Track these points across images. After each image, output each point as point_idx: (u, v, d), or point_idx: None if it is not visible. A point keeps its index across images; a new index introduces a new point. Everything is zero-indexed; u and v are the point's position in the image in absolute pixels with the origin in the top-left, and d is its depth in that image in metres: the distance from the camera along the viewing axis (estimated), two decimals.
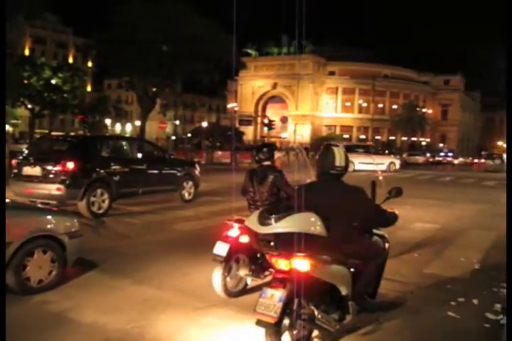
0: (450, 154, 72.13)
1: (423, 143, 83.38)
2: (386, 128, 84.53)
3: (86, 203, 10.14)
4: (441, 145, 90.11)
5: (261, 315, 3.57)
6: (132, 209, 11.42)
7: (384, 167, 30.29)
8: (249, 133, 77.41)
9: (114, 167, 11.06)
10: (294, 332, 3.75)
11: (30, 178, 10.38)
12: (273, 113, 76.02)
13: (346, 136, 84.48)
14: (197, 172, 13.93)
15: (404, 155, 56.79)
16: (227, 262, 5.20)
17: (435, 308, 5.34)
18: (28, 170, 10.52)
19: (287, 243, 3.57)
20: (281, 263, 3.71)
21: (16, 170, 10.86)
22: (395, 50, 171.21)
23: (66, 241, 5.61)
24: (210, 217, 10.73)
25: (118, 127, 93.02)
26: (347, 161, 4.34)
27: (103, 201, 10.54)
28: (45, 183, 10.09)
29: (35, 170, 10.36)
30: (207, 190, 15.28)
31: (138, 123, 44.20)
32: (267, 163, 5.87)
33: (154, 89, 33.72)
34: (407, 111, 78.79)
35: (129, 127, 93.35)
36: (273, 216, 3.65)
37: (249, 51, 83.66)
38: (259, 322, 3.61)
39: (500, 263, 7.38)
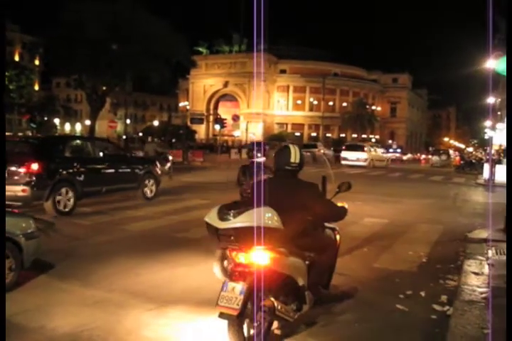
0: (399, 150, 73.73)
1: (372, 140, 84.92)
2: (336, 125, 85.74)
3: (52, 203, 10.29)
4: (390, 141, 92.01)
5: (224, 308, 3.64)
6: (84, 209, 11.17)
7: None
8: (201, 131, 77.09)
9: (77, 167, 11.19)
10: (255, 324, 3.81)
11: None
12: (225, 111, 75.78)
13: (298, 133, 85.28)
14: (158, 170, 14.16)
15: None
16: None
17: (384, 301, 5.45)
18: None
19: (247, 237, 3.62)
20: (241, 257, 3.82)
21: None
22: (345, 48, 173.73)
23: (23, 243, 5.52)
24: (161, 216, 10.62)
25: (67, 127, 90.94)
26: (302, 158, 4.49)
27: (68, 200, 10.67)
28: (10, 185, 9.46)
29: (11, 169, 10.07)
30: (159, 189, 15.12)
31: (88, 122, 43.33)
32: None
33: (104, 88, 33.08)
34: (357, 109, 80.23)
35: (78, 127, 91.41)
36: (232, 211, 3.72)
37: (200, 49, 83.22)
38: (222, 315, 3.66)
39: (447, 256, 7.62)
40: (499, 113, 43.63)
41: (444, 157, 47.07)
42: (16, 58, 74.46)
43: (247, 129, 59.30)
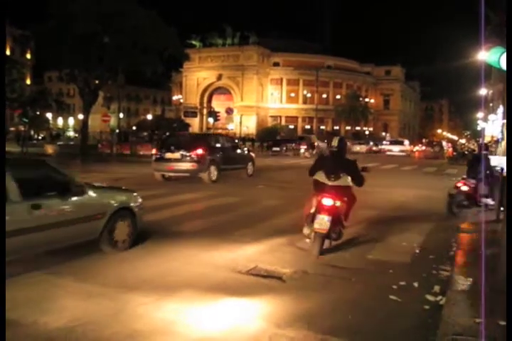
0: None
1: (366, 132, 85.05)
2: (330, 118, 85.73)
3: (208, 174, 16.81)
4: (383, 133, 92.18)
5: (318, 229, 6.74)
6: None
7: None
8: (195, 125, 76.85)
9: (219, 152, 17.82)
10: (333, 235, 7.14)
11: (171, 160, 16.90)
12: (218, 104, 75.55)
13: (292, 126, 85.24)
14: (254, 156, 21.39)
15: (349, 144, 57.71)
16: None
17: (377, 292, 5.49)
18: (169, 155, 16.99)
19: (336, 191, 7.03)
20: (329, 202, 6.84)
21: (158, 156, 17.33)
22: (338, 41, 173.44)
23: (137, 212, 7.43)
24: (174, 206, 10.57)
25: (60, 121, 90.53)
26: (340, 145, 7.47)
27: (214, 173, 17.14)
28: (184, 162, 16.79)
29: (175, 155, 16.86)
30: None
31: (81, 116, 43.08)
32: (337, 151, 7.61)
33: (96, 82, 32.87)
34: (350, 101, 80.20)
35: (71, 121, 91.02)
36: (332, 176, 7.21)
37: (193, 42, 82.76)
38: (316, 233, 6.78)
39: (439, 247, 7.67)
40: (491, 104, 43.80)
41: (436, 148, 47.23)
42: (7, 52, 73.96)
43: (240, 122, 59.18)
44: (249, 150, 22.23)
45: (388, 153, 47.59)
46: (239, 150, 20.29)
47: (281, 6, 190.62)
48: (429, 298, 5.27)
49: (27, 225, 5.56)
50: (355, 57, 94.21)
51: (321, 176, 7.24)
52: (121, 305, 4.85)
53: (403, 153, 45.16)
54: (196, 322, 4.45)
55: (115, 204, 7.07)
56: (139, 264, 6.39)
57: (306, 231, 7.21)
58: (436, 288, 5.55)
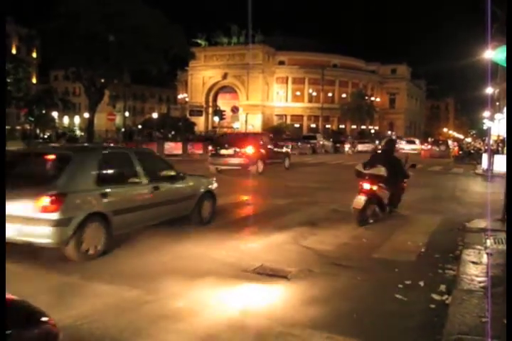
0: (398, 141, 73.62)
1: (372, 131, 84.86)
2: (336, 116, 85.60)
3: (255, 166, 19.98)
4: (389, 132, 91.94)
5: (356, 205, 8.92)
6: None
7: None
8: (200, 123, 76.88)
9: (265, 150, 21.35)
10: (368, 212, 9.25)
11: (225, 155, 20.41)
12: (224, 103, 75.52)
13: (297, 125, 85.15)
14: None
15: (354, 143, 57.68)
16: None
17: (384, 291, 5.48)
18: (224, 151, 20.56)
19: (372, 178, 9.24)
20: (367, 186, 9.13)
21: (213, 152, 21.10)
22: (344, 39, 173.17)
23: (215, 193, 9.55)
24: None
25: (66, 120, 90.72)
26: (389, 144, 10.60)
27: (261, 166, 20.50)
28: (236, 158, 20.15)
29: (229, 151, 20.37)
30: None
31: (86, 115, 43.23)
32: (385, 149, 10.59)
33: (102, 81, 32.97)
34: (356, 100, 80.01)
35: (77, 120, 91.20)
36: (367, 166, 9.55)
37: (199, 41, 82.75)
38: (354, 209, 8.99)
39: (446, 246, 7.65)
40: (498, 103, 43.58)
41: (442, 147, 47.03)
42: (13, 51, 74.07)
43: (246, 121, 59.26)
44: (287, 146, 27.36)
45: (403, 151, 49.64)
46: (280, 147, 24.61)
47: (287, 5, 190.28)
48: (435, 297, 5.25)
49: (150, 202, 7.58)
50: (361, 56, 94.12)
51: (359, 166, 9.73)
52: (127, 303, 4.87)
53: (415, 151, 48.68)
54: (202, 320, 4.47)
55: (203, 188, 9.23)
56: (141, 263, 6.40)
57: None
58: (442, 287, 5.53)
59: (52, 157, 7.29)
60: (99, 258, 6.52)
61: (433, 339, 4.12)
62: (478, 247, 7.11)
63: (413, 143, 56.84)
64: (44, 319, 2.47)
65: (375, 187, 9.13)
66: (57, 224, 6.05)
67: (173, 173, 8.46)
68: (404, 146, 53.37)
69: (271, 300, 5.06)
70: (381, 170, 9.30)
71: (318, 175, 21.67)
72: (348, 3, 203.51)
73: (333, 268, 6.37)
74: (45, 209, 6.02)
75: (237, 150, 20.29)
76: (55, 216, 6.04)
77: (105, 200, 6.74)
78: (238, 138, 22.56)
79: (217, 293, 5.20)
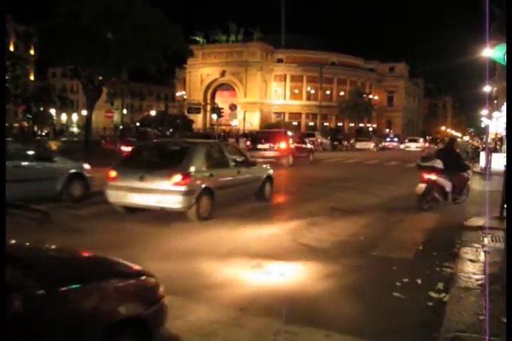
0: (396, 139, 73.69)
1: (370, 129, 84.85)
2: (334, 114, 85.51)
3: (287, 159, 23.61)
4: (387, 130, 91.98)
5: (418, 191, 10.86)
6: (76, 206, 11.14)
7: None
8: (198, 121, 76.83)
9: (294, 145, 25.28)
10: (428, 198, 11.00)
11: (261, 149, 24.00)
12: (222, 101, 75.43)
13: (295, 122, 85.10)
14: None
15: (352, 141, 57.75)
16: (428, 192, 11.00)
17: (381, 289, 5.50)
18: (260, 146, 24.31)
19: (431, 169, 11.04)
20: (427, 176, 10.92)
21: (251, 147, 24.95)
22: (342, 38, 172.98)
23: (272, 177, 12.16)
24: None
25: (64, 117, 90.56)
26: (449, 143, 12.91)
27: (291, 159, 24.06)
28: (270, 151, 23.69)
29: (265, 146, 24.05)
30: None
31: (84, 112, 43.10)
32: (446, 147, 12.71)
33: (100, 78, 32.85)
34: (354, 98, 79.95)
35: (75, 117, 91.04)
36: (426, 160, 11.57)
37: (197, 38, 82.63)
38: (417, 195, 10.89)
39: (443, 244, 7.66)
40: (495, 101, 43.59)
41: (440, 145, 47.17)
42: (11, 48, 73.81)
43: (244, 119, 59.06)
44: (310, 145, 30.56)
45: (407, 149, 56.45)
46: (305, 144, 28.49)
47: (287, 3, 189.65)
48: (433, 294, 5.27)
49: (236, 182, 10.32)
50: (360, 54, 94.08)
51: (418, 161, 11.79)
52: None
53: (418, 149, 51.99)
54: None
55: (265, 173, 11.87)
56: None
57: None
58: (440, 285, 5.55)
59: (176, 148, 10.38)
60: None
61: (431, 337, 4.13)
62: (476, 245, 7.13)
63: (416, 141, 60.85)
64: (148, 274, 3.57)
65: (433, 177, 10.86)
66: (185, 194, 8.73)
67: (247, 160, 11.43)
68: (409, 144, 58.53)
69: (268, 297, 5.07)
70: (437, 163, 11.07)
71: (339, 168, 25.53)
72: (347, 1, 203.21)
73: (331, 265, 6.38)
74: (176, 184, 8.72)
75: (272, 145, 24.32)
76: (184, 188, 8.73)
77: (212, 179, 9.45)
78: (272, 135, 26.23)
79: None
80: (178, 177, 8.71)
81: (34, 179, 10.11)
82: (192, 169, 9.07)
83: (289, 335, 4.15)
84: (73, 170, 11.21)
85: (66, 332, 2.57)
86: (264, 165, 12.64)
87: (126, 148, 21.75)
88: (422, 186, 10.84)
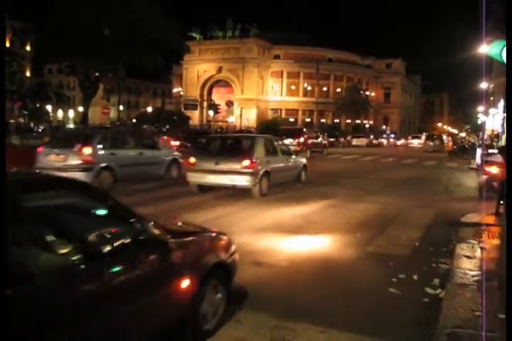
0: (392, 136, 73.82)
1: (367, 126, 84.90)
2: (330, 111, 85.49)
3: (305, 153, 24.97)
4: (384, 127, 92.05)
5: (479, 183, 12.28)
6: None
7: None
8: (195, 117, 76.73)
9: (311, 141, 29.79)
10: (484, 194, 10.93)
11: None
12: (219, 97, 75.31)
13: (292, 119, 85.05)
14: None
15: (349, 138, 57.81)
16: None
17: (377, 285, 5.51)
18: (287, 142, 22.70)
19: (491, 163, 11.88)
20: (489, 169, 11.54)
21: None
22: (339, 34, 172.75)
23: (306, 165, 15.27)
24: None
25: (60, 113, 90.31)
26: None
27: (308, 153, 26.47)
28: (292, 146, 23.30)
29: (285, 141, 21.68)
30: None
31: (81, 109, 43.04)
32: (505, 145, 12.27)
33: (97, 74, 32.81)
34: (351, 94, 79.93)
35: (71, 113, 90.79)
36: (487, 156, 15.75)
37: (194, 35, 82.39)
38: (478, 186, 12.38)
39: (439, 240, 7.68)
40: (492, 98, 43.69)
41: (437, 142, 47.22)
42: (7, 44, 73.44)
43: (241, 115, 59.17)
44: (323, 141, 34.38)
45: (410, 145, 60.58)
46: (319, 139, 32.18)
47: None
48: (429, 291, 5.29)
49: (284, 168, 13.45)
50: (357, 51, 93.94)
51: (451, 155, 15.00)
52: None
53: (420, 145, 54.79)
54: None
55: (301, 162, 14.89)
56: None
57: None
58: (436, 281, 5.57)
59: (243, 140, 13.71)
60: None
61: (427, 333, 4.14)
62: (472, 241, 7.15)
63: (419, 138, 63.74)
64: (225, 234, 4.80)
65: (493, 170, 11.34)
66: (252, 174, 11.66)
67: (289, 151, 14.86)
68: (412, 141, 62.39)
69: (264, 293, 5.09)
70: (497, 158, 11.94)
71: (347, 162, 27.39)
72: None
73: (330, 262, 6.40)
74: (246, 167, 11.66)
75: (291, 140, 27.04)
76: (251, 170, 11.68)
77: (268, 164, 12.38)
78: (292, 132, 30.69)
79: None
80: (246, 162, 11.76)
81: (149, 163, 13.90)
82: (256, 156, 12.08)
83: (285, 331, 4.16)
84: (172, 157, 15.13)
85: (189, 263, 3.89)
86: (301, 155, 16.31)
87: None
88: (483, 178, 11.84)
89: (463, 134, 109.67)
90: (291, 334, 4.13)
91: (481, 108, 50.18)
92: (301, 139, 28.62)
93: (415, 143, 59.91)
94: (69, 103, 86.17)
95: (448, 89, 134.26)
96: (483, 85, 41.08)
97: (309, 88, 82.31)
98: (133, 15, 28.47)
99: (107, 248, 3.08)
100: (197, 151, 14.41)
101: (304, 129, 33.75)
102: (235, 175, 11.60)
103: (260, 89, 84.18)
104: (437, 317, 4.29)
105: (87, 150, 12.20)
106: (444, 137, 56.28)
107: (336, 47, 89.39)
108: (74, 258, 2.85)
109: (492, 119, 39.88)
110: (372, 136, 62.87)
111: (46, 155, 12.57)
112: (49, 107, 64.99)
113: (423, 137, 62.57)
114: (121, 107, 53.09)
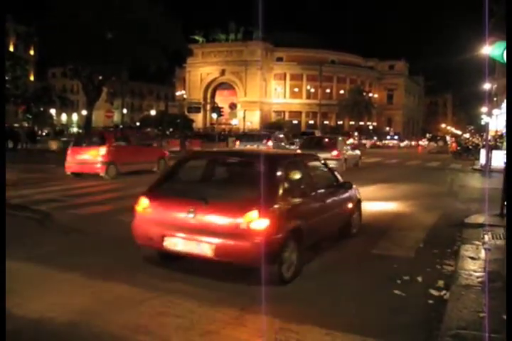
0: (396, 137, 73.75)
1: (370, 127, 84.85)
2: (334, 113, 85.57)
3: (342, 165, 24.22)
4: (387, 128, 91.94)
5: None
6: (78, 201, 11.17)
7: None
8: (198, 120, 76.87)
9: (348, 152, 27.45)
10: None
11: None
12: (222, 100, 75.50)
13: (295, 121, 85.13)
14: None
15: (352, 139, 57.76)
16: None
17: (382, 287, 5.50)
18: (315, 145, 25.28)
19: None
20: None
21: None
22: (341, 36, 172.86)
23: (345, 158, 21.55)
24: None
25: (64, 117, 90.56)
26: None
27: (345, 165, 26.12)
28: (324, 152, 20.16)
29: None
30: None
31: (84, 112, 43.11)
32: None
33: (100, 78, 32.88)
34: (354, 96, 79.90)
35: (75, 117, 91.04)
36: None
37: (197, 37, 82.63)
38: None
39: (444, 241, 7.67)
40: (495, 99, 43.57)
41: (440, 143, 47.17)
42: (11, 49, 73.59)
43: (244, 117, 59.13)
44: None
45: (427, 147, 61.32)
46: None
47: (287, 1, 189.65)
48: (433, 292, 5.27)
49: (352, 156, 23.13)
50: (359, 52, 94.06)
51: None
52: (124, 301, 4.88)
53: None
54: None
55: (357, 153, 24.16)
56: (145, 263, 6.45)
57: None
58: (440, 283, 5.55)
59: (329, 139, 23.02)
60: None
61: (431, 335, 4.13)
62: (477, 242, 7.13)
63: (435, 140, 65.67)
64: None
65: None
66: (339, 160, 19.52)
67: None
68: (423, 143, 61.93)
69: (271, 296, 5.09)
70: None
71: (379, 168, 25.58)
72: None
73: (335, 264, 6.40)
74: (335, 156, 19.47)
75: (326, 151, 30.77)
76: (339, 157, 20.01)
77: (346, 154, 21.52)
78: (321, 141, 28.93)
79: None
80: (335, 152, 19.51)
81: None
82: (340, 149, 20.19)
83: (289, 333, 4.15)
84: None
85: (353, 196, 7.96)
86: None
87: None
88: None
89: (466, 135, 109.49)
90: (295, 337, 4.12)
91: (484, 109, 50.09)
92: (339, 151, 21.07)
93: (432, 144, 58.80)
94: (72, 107, 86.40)
95: (451, 90, 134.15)
96: (487, 86, 40.97)
97: (312, 90, 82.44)
98: (135, 18, 28.51)
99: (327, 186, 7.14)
100: (301, 146, 22.13)
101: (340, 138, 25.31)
102: (329, 160, 13.06)
103: (263, 92, 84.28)
104: (442, 319, 4.27)
105: None
106: (448, 138, 56.20)
107: (338, 49, 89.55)
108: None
109: (496, 120, 39.79)
110: (375, 138, 62.73)
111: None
112: (53, 111, 65.16)
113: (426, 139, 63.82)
114: (124, 110, 53.14)
